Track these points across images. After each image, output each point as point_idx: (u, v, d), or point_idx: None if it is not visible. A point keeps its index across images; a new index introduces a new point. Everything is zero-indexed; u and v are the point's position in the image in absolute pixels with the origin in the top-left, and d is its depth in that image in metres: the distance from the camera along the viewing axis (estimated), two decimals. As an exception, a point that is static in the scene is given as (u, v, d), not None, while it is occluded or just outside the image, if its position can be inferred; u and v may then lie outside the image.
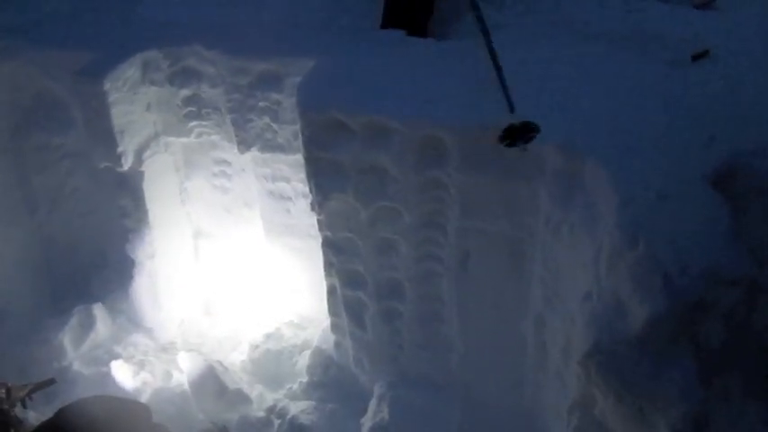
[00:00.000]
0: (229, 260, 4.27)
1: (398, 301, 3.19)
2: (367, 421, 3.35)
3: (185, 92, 3.68)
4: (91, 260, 4.32)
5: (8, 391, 3.01)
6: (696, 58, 3.11)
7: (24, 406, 3.04)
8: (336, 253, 3.20)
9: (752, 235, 2.04)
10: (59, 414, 2.61)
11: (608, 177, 2.22)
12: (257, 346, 4.00)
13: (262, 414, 3.60)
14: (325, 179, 2.95)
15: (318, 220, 3.13)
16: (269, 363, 3.94)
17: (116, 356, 3.88)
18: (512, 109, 2.63)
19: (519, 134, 2.50)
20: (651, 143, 2.39)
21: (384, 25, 3.58)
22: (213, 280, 4.35)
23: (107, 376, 3.73)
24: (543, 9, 3.70)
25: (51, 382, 3.25)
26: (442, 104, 2.73)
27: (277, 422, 3.58)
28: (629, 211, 2.04)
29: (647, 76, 2.90)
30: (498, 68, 2.80)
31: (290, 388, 3.75)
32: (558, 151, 2.46)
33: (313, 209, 3.11)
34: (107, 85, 3.46)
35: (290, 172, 3.76)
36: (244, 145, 3.65)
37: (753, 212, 2.11)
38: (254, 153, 3.69)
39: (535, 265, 2.71)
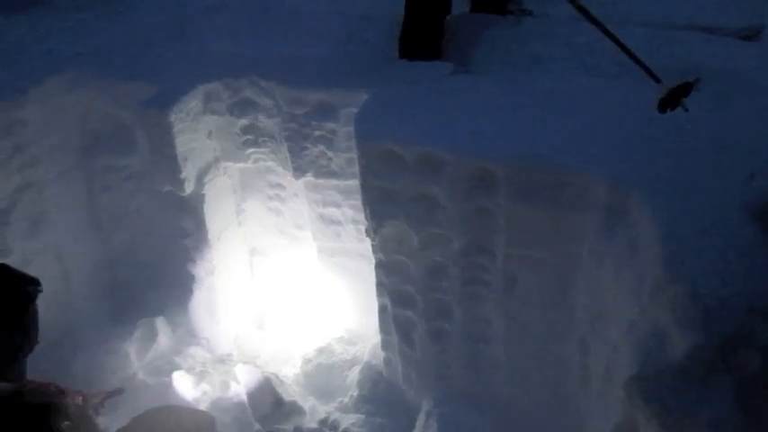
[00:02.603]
0: (282, 278, 4.49)
1: (446, 322, 3.34)
2: (415, 436, 3.50)
3: (244, 121, 3.90)
4: (151, 276, 4.54)
5: (84, 399, 3.25)
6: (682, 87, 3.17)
7: (97, 413, 3.28)
8: (388, 274, 3.36)
9: (789, 269, 2.15)
10: (134, 422, 2.82)
11: (651, 212, 2.35)
12: (309, 360, 4.19)
13: (315, 426, 3.77)
14: (379, 206, 3.13)
15: (372, 245, 3.31)
16: (320, 376, 4.13)
17: (176, 367, 4.09)
18: (657, 80, 2.52)
19: (676, 100, 2.50)
20: (693, 178, 2.48)
21: (402, 54, 3.80)
22: (267, 296, 4.57)
23: (169, 386, 3.93)
24: (583, 42, 3.83)
25: (120, 391, 3.49)
26: (492, 137, 2.88)
27: (329, 433, 3.76)
28: (671, 247, 2.16)
29: (688, 110, 3.01)
30: (623, 47, 2.64)
31: (341, 401, 3.92)
32: (602, 185, 2.59)
33: (368, 234, 3.29)
34: (172, 117, 3.70)
35: (341, 198, 3.95)
36: (299, 171, 3.86)
37: (790, 246, 2.21)
38: (307, 179, 3.90)
39: (580, 292, 2.83)
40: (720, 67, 3.52)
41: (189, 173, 3.90)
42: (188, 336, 4.31)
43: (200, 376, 3.98)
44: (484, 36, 4.04)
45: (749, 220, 2.26)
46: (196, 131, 3.88)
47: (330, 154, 3.74)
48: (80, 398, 3.22)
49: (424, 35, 3.85)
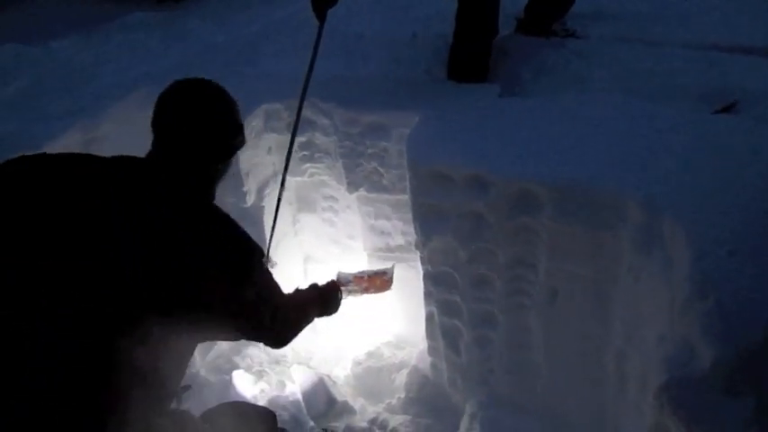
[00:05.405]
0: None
1: (491, 330, 3.54)
2: (459, 437, 3.70)
3: (301, 138, 4.17)
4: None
5: (159, 394, 3.56)
6: (722, 111, 3.38)
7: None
8: (435, 285, 3.58)
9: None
10: (208, 412, 3.11)
11: (683, 233, 2.52)
12: (359, 363, 4.43)
13: (365, 425, 4.00)
14: (428, 222, 3.35)
15: (421, 257, 3.54)
16: (370, 378, 4.37)
17: (236, 366, 4.39)
18: None
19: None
20: (725, 201, 2.62)
21: (450, 76, 4.02)
22: (320, 301, 4.82)
23: (229, 383, 4.23)
24: (625, 63, 3.99)
25: (188, 387, 3.80)
26: (535, 159, 3.06)
27: (378, 432, 3.99)
28: (700, 266, 2.33)
29: (724, 133, 3.11)
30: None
31: (390, 402, 4.15)
32: (638, 206, 2.76)
33: (417, 247, 3.52)
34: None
35: (391, 211, 4.19)
36: (353, 186, 4.12)
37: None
38: (360, 193, 4.15)
39: (617, 305, 3.00)
40: (759, 88, 3.64)
41: (250, 186, 4.20)
42: (246, 337, 4.59)
43: (259, 375, 4.27)
44: (529, 58, 4.23)
45: (775, 242, 2.41)
46: (257, 148, 4.17)
47: (382, 170, 3.99)
48: (153, 392, 3.54)
49: (472, 58, 4.06)
